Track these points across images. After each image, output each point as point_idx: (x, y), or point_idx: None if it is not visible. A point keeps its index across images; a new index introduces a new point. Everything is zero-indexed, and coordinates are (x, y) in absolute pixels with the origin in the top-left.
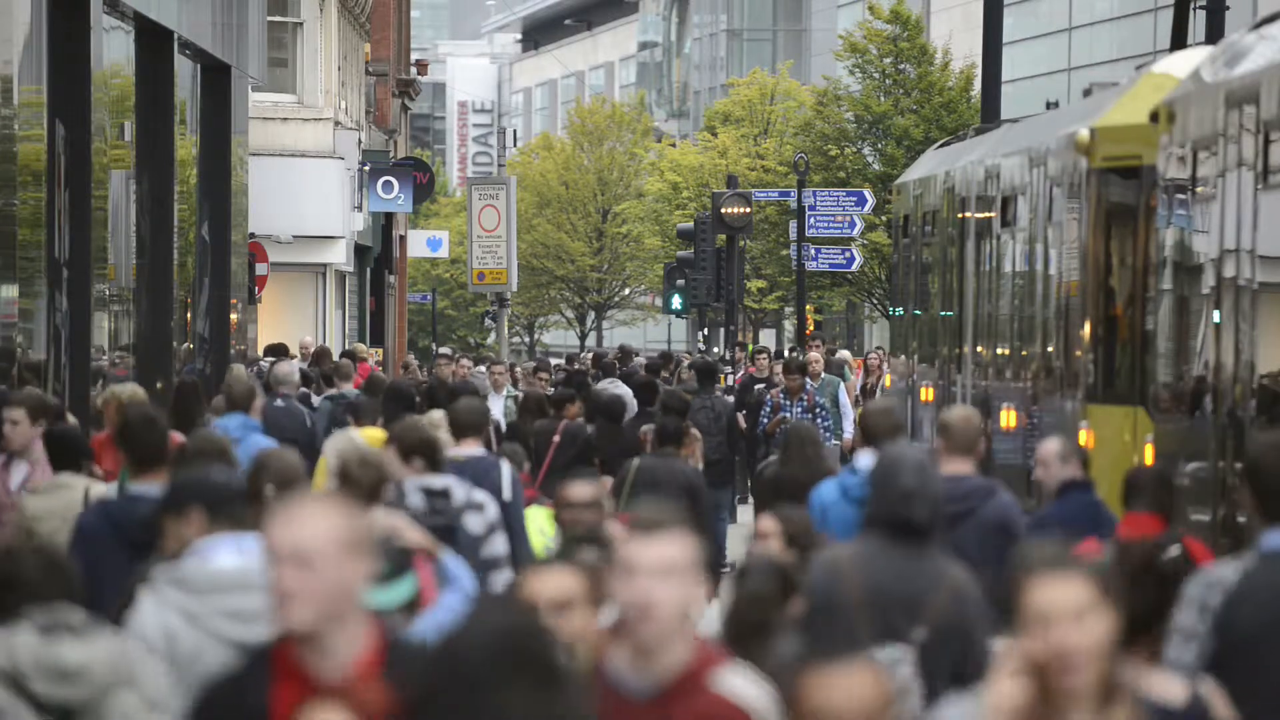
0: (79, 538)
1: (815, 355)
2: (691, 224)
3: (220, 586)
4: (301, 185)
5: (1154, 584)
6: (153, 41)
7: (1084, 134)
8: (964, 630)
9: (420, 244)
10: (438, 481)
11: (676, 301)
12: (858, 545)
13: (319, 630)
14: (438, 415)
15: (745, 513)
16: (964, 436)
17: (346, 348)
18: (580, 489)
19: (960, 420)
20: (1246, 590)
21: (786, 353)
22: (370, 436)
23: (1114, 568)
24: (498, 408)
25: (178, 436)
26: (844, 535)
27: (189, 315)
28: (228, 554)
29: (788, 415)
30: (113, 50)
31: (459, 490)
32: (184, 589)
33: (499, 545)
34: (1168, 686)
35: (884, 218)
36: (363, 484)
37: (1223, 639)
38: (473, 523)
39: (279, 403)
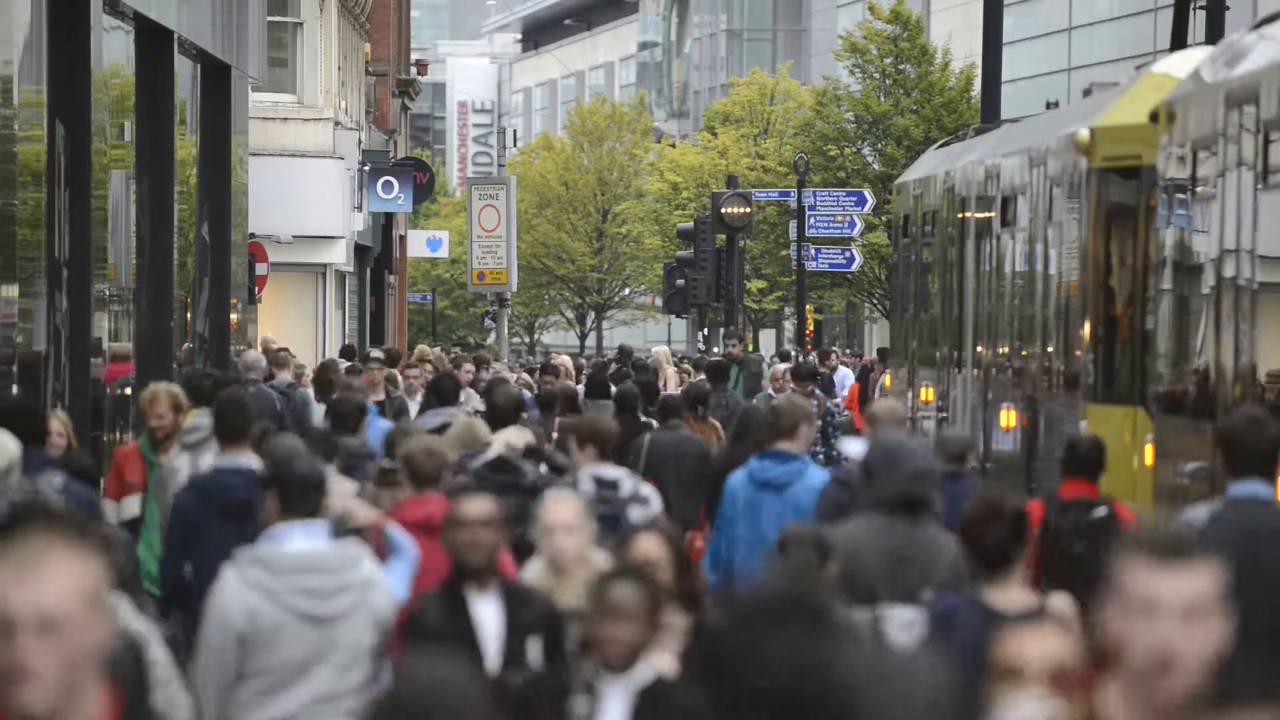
0: (176, 516)
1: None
2: (691, 224)
3: (298, 567)
4: (301, 185)
5: (1007, 527)
6: (153, 41)
7: (1084, 134)
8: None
9: (420, 244)
10: (610, 472)
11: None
12: (867, 522)
13: (56, 709)
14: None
15: None
16: (891, 425)
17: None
18: (477, 504)
19: (886, 411)
20: (1215, 526)
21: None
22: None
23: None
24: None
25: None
26: (749, 516)
27: (189, 315)
28: (301, 538)
29: None
30: (113, 50)
31: (627, 483)
32: (265, 568)
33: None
34: (1022, 601)
35: (884, 218)
36: (427, 472)
37: None
38: (636, 514)
39: (249, 389)
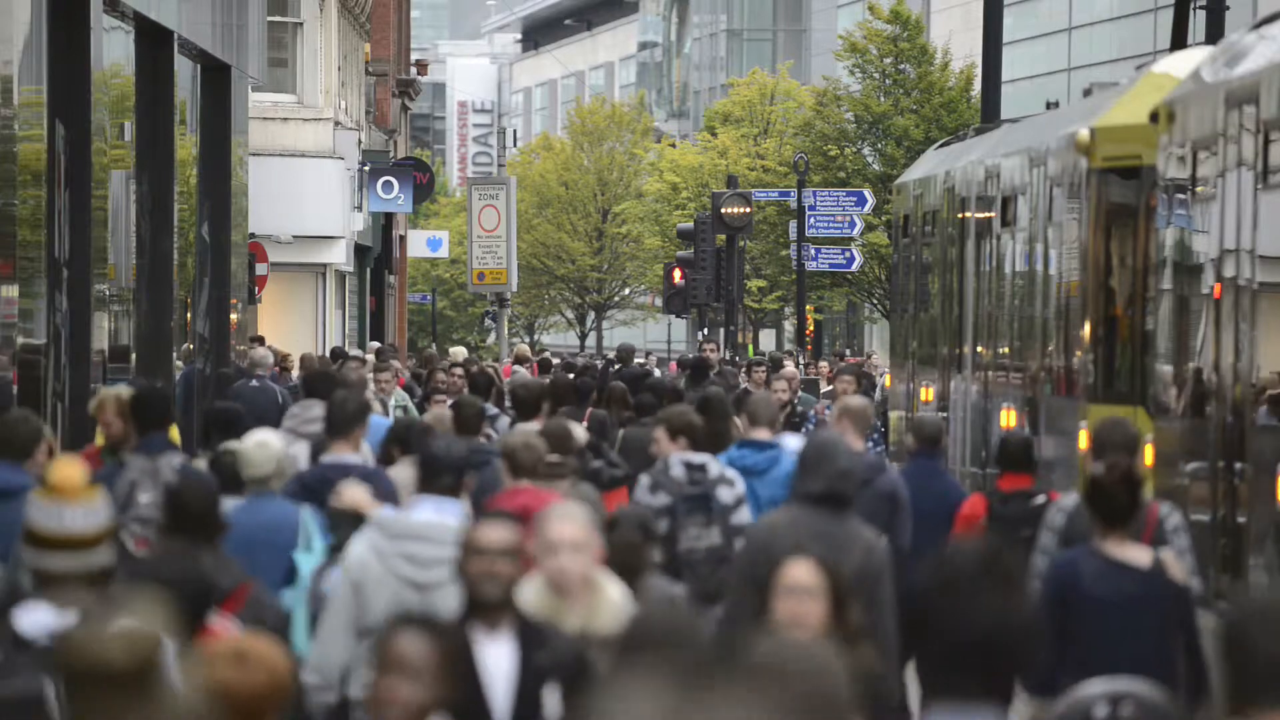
0: None
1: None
2: (691, 224)
3: (407, 534)
4: (301, 185)
5: (1130, 490)
6: (153, 41)
7: (1084, 134)
8: (873, 578)
9: (420, 244)
10: (697, 457)
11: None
12: (788, 512)
13: None
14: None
15: None
16: (862, 421)
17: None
18: (497, 530)
19: (860, 407)
20: (1079, 512)
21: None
22: None
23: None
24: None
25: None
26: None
27: (189, 315)
28: (427, 510)
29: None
30: (113, 50)
31: (714, 466)
32: (382, 531)
33: (745, 515)
34: (1138, 554)
35: (884, 218)
36: (526, 464)
37: (1064, 543)
38: (724, 494)
39: (254, 383)
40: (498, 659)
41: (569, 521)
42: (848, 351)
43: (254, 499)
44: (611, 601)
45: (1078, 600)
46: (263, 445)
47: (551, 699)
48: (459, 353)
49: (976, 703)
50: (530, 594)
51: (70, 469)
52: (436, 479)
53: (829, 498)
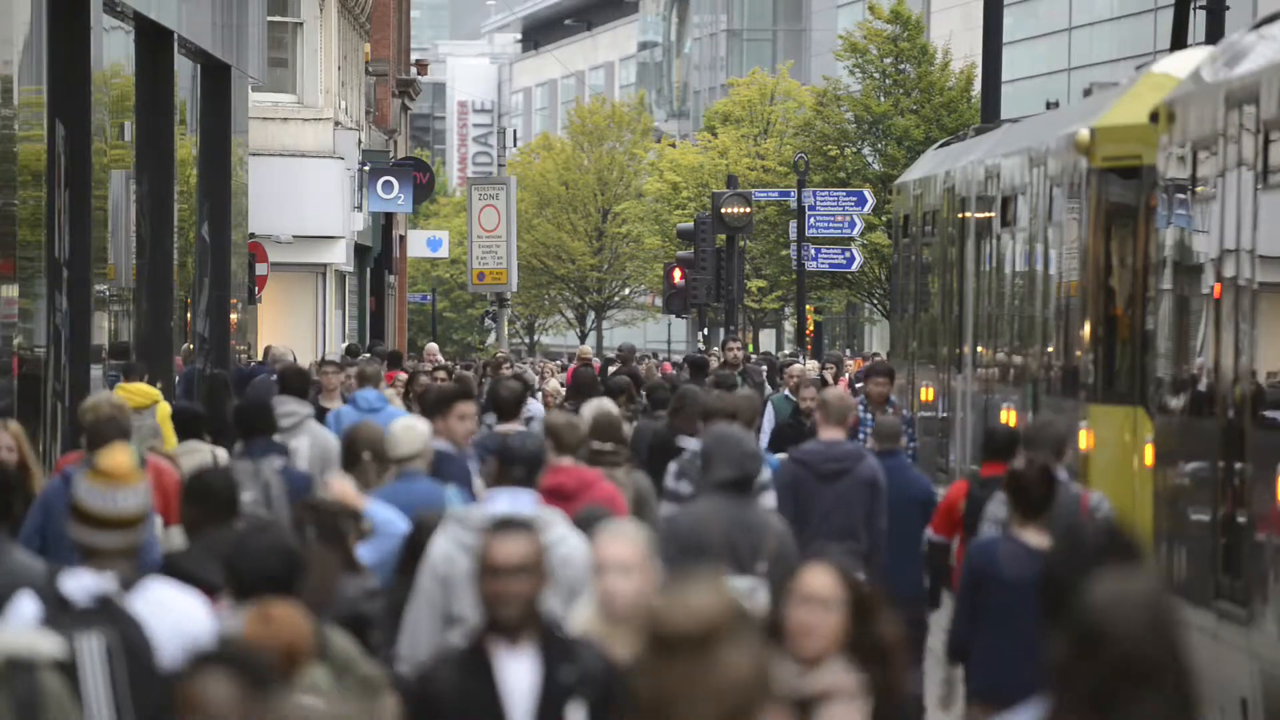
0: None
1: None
2: (691, 224)
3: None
4: (301, 185)
5: (1046, 485)
6: (153, 41)
7: (1084, 134)
8: (787, 561)
9: (420, 244)
10: None
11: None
12: (705, 503)
13: None
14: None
15: None
16: (839, 411)
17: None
18: (511, 546)
19: (836, 398)
20: None
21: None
22: (135, 391)
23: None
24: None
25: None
26: None
27: (189, 315)
28: (503, 502)
29: (866, 431)
30: (113, 50)
31: None
32: (463, 525)
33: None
34: (1039, 539)
35: (884, 218)
36: (570, 443)
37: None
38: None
39: (272, 376)
40: (518, 674)
41: (619, 541)
42: (848, 351)
43: (403, 479)
44: None
45: (991, 580)
46: (409, 428)
47: (576, 716)
48: (585, 351)
49: None
50: (584, 616)
51: (122, 456)
52: (509, 471)
53: (741, 481)
